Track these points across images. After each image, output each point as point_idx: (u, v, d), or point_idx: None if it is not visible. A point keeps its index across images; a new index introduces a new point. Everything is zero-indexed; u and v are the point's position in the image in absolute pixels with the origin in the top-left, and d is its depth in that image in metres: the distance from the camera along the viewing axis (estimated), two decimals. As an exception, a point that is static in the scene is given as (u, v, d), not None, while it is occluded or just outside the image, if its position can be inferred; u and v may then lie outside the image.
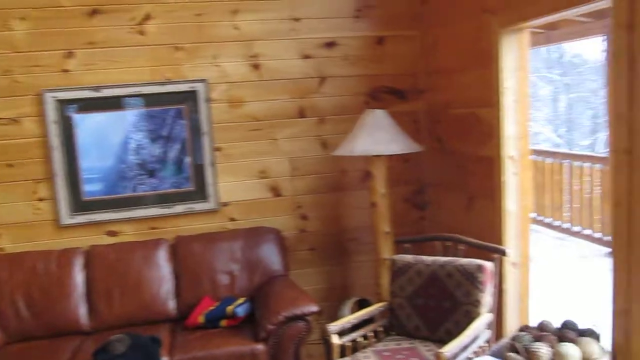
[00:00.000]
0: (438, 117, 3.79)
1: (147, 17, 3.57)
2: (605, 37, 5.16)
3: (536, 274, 3.67)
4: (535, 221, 6.64)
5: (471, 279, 2.83)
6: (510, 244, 3.06)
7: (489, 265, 2.85)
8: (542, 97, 20.40)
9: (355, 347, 2.92)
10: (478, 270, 2.83)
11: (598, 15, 4.81)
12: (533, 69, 19.33)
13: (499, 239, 3.07)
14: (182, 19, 3.61)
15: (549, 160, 6.50)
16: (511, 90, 2.94)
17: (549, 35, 5.65)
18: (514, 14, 2.80)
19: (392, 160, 3.65)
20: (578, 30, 5.32)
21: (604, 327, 2.39)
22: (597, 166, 5.76)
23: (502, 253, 2.93)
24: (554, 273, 5.02)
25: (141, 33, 3.58)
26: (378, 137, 3.31)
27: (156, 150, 3.66)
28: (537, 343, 2.44)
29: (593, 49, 19.00)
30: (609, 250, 5.11)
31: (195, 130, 3.69)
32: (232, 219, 3.82)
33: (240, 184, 3.81)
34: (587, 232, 5.93)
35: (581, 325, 2.70)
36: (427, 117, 3.97)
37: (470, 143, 3.37)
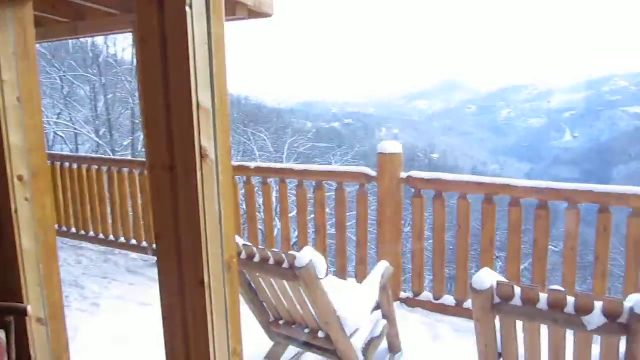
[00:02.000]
0: None
1: None
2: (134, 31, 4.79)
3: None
4: (79, 237, 5.86)
5: (-27, 362, 1.93)
6: (33, 293, 2.26)
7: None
8: (80, 98, 19.51)
9: None
10: (-17, 347, 1.94)
11: (127, 8, 4.39)
12: (70, 67, 18.40)
13: (16, 290, 2.22)
14: None
15: (89, 167, 5.75)
16: (13, 85, 2.12)
17: (77, 26, 4.94)
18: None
19: None
20: (107, 23, 4.79)
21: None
22: (137, 171, 5.35)
23: (22, 312, 2.11)
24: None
25: None
26: None
27: None
28: None
29: (128, 51, 19.33)
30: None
31: None
32: None
33: None
34: (134, 242, 5.50)
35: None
36: None
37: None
